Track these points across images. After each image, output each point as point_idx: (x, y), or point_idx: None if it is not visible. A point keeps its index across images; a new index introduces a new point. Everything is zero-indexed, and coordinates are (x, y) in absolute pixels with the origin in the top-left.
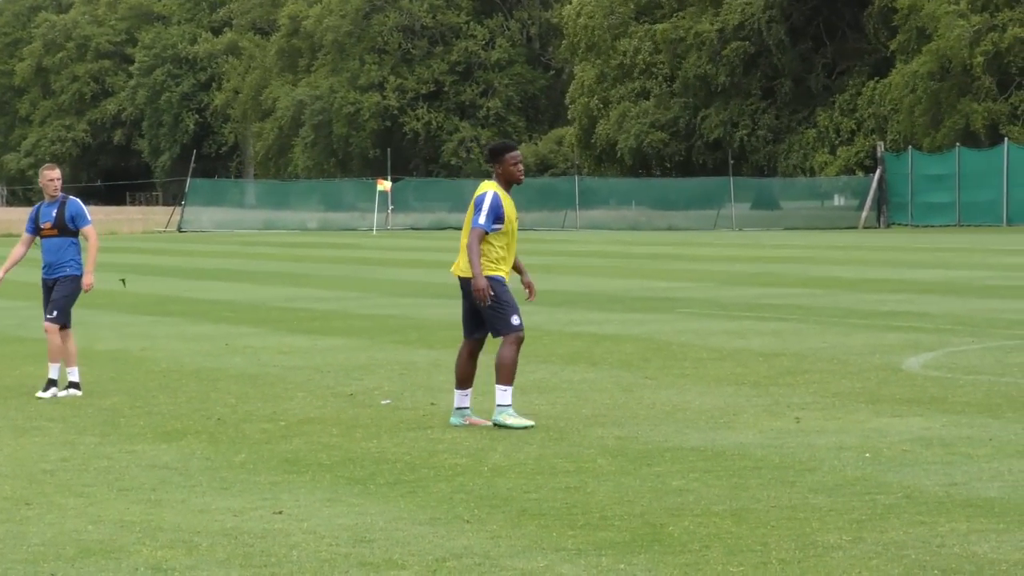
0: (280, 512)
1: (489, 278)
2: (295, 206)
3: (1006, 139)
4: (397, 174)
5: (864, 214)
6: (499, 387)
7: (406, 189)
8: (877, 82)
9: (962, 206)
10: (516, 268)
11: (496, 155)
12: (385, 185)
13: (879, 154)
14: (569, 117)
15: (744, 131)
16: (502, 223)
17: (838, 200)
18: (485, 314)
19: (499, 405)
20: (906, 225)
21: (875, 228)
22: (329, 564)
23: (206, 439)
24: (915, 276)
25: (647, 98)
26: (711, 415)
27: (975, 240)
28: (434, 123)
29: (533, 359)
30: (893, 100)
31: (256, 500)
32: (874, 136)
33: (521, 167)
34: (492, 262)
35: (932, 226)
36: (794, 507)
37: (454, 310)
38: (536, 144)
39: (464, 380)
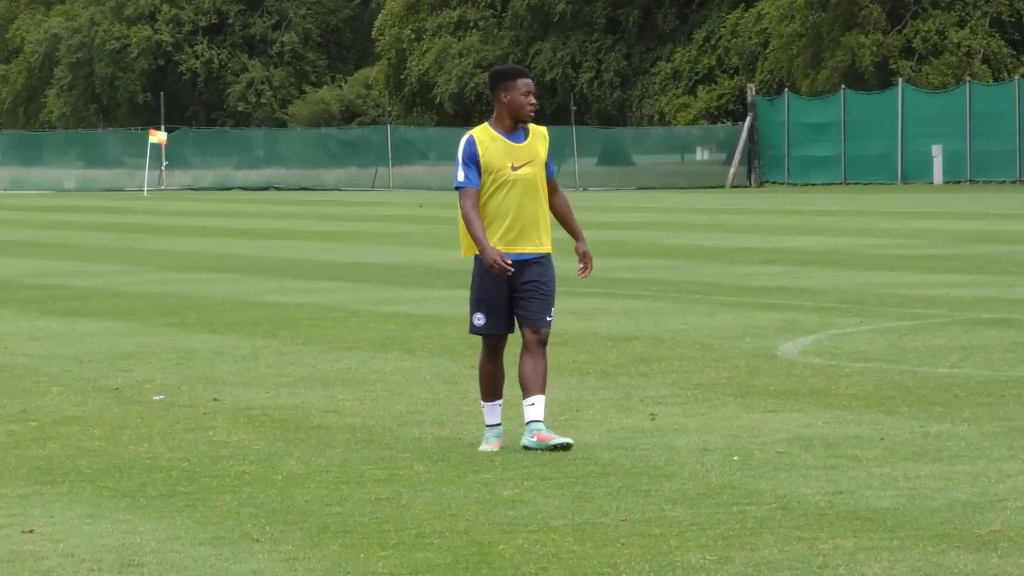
0: (31, 531)
1: (477, 259)
2: (49, 162)
3: (900, 79)
4: (172, 123)
5: (732, 170)
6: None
7: (183, 141)
8: (744, 11)
9: (848, 160)
10: (571, 231)
11: (504, 80)
12: (158, 136)
13: (749, 98)
14: (377, 51)
15: (588, 72)
16: (481, 172)
17: (701, 154)
18: None
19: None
20: (782, 183)
21: (745, 187)
22: None
23: None
24: (793, 244)
25: (468, 30)
26: (550, 411)
27: (864, 201)
28: (216, 61)
29: (337, 345)
30: (764, 33)
31: (2, 516)
32: (742, 77)
33: (533, 99)
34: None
35: (813, 184)
36: (648, 521)
37: (241, 287)
38: (340, 87)
39: (522, 385)
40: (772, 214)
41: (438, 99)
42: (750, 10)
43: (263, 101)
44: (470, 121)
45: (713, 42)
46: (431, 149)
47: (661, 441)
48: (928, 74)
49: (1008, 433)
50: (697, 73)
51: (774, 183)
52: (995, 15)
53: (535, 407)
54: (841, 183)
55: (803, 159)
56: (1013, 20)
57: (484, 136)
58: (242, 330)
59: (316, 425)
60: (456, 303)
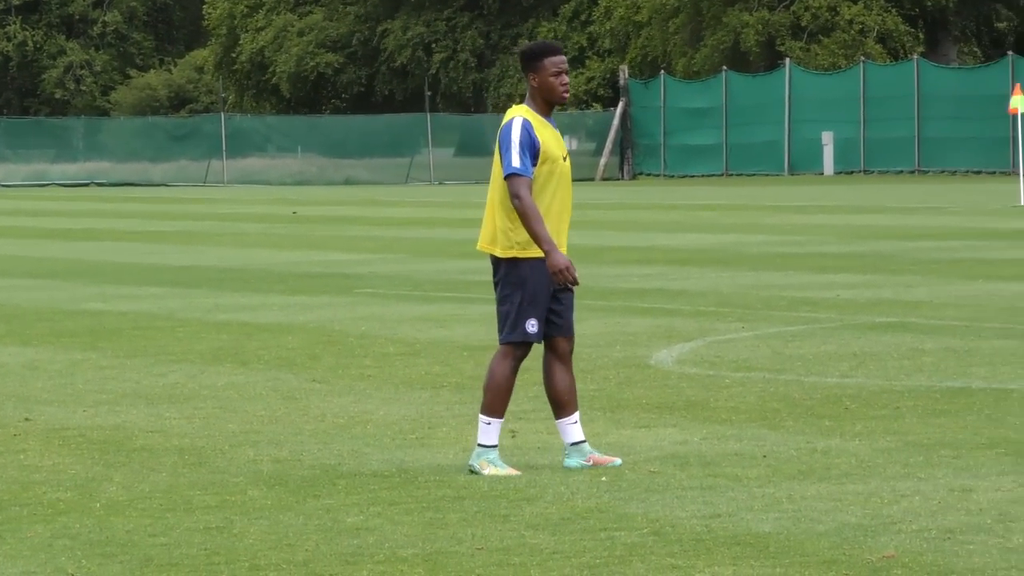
0: None
1: (526, 262)
2: None
3: (787, 60)
4: None
5: (603, 161)
6: (482, 418)
7: None
8: None
9: (731, 149)
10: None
11: (531, 60)
12: None
13: (622, 82)
14: (207, 27)
15: (443, 53)
16: (536, 162)
17: (569, 143)
18: (500, 308)
19: (480, 445)
20: (658, 175)
21: (617, 180)
22: None
23: None
24: (669, 243)
25: (310, 6)
26: (400, 429)
27: (748, 194)
28: (31, 44)
29: (163, 358)
30: (636, 7)
31: None
32: (614, 58)
33: (566, 79)
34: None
35: (692, 176)
36: (507, 549)
37: (57, 294)
38: (169, 71)
39: (562, 402)
40: (647, 209)
41: (274, 80)
42: None
43: (83, 88)
44: (316, 107)
45: (583, 18)
46: (270, 139)
47: (522, 460)
48: (818, 54)
49: (903, 449)
50: (565, 54)
51: (649, 175)
52: None
53: (579, 425)
54: (723, 174)
55: (681, 148)
56: None
57: (535, 120)
58: (58, 342)
59: (139, 447)
60: (297, 310)
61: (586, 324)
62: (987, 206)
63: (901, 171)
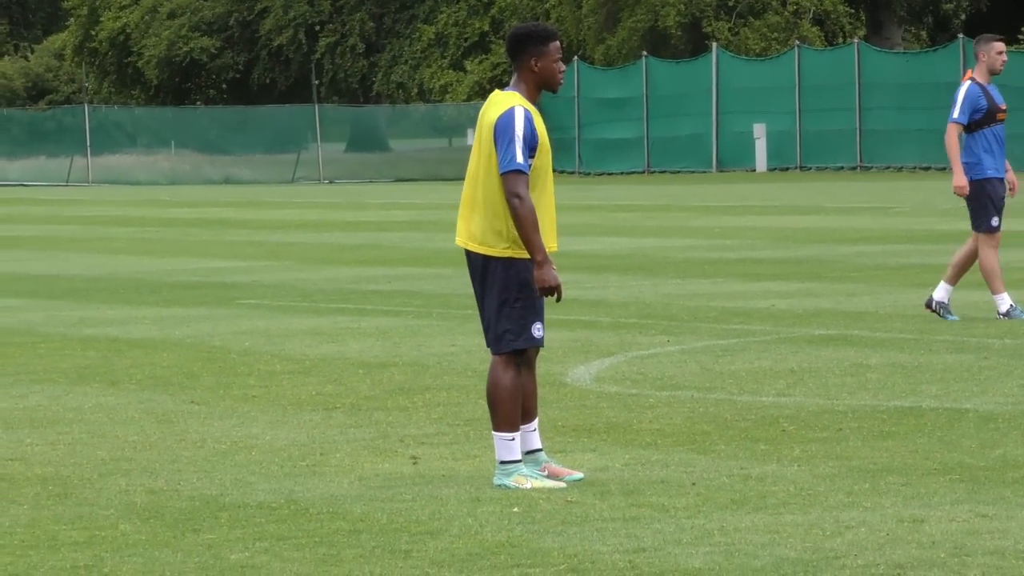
0: None
1: (523, 262)
2: None
3: (714, 44)
4: None
5: None
6: (498, 435)
7: None
8: None
9: (653, 144)
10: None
11: (536, 44)
12: None
13: None
14: (67, 6)
15: (329, 37)
16: (534, 155)
17: (472, 137)
18: (500, 313)
19: (503, 462)
20: (572, 173)
21: None
22: None
23: None
24: (585, 247)
25: None
26: (288, 455)
27: (672, 193)
28: None
29: (24, 377)
30: None
31: None
32: None
33: (563, 66)
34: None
35: (611, 174)
36: None
37: None
38: (26, 58)
39: (526, 408)
40: (560, 211)
41: (140, 67)
42: None
43: None
44: (186, 97)
45: (485, 1)
46: (140, 133)
47: (425, 490)
48: (748, 38)
49: (846, 475)
50: (466, 39)
51: (563, 172)
52: None
53: (537, 433)
54: (644, 172)
55: (598, 143)
56: None
57: (532, 110)
58: None
59: None
60: (172, 323)
61: None
62: (937, 205)
63: (841, 167)
